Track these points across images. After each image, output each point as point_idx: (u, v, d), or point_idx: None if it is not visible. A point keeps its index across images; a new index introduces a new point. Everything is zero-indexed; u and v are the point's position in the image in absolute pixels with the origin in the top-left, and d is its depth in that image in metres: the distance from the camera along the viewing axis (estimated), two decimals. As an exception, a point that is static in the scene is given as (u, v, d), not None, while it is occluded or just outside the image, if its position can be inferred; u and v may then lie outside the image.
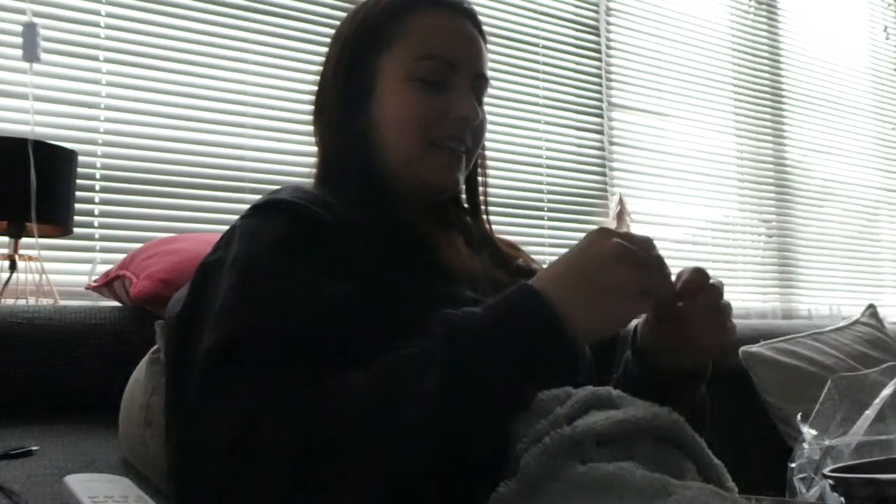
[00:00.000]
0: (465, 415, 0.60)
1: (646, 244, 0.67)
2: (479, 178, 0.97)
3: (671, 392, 0.75)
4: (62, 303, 1.63)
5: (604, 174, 2.69)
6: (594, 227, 2.61)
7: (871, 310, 2.12)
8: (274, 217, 0.75)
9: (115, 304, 1.33)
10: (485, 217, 0.98)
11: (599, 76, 2.74)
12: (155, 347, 1.00)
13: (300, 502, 0.58)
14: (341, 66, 0.88)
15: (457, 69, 0.86)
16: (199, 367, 0.64)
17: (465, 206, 0.98)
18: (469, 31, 0.88)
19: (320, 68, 0.92)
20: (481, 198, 0.98)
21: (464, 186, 0.95)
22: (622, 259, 0.64)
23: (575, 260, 0.66)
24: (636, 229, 2.59)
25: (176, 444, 0.66)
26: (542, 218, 2.56)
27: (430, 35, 0.85)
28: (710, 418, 0.85)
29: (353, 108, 0.87)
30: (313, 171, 0.91)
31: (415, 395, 0.60)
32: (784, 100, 3.23)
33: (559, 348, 0.63)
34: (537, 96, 2.58)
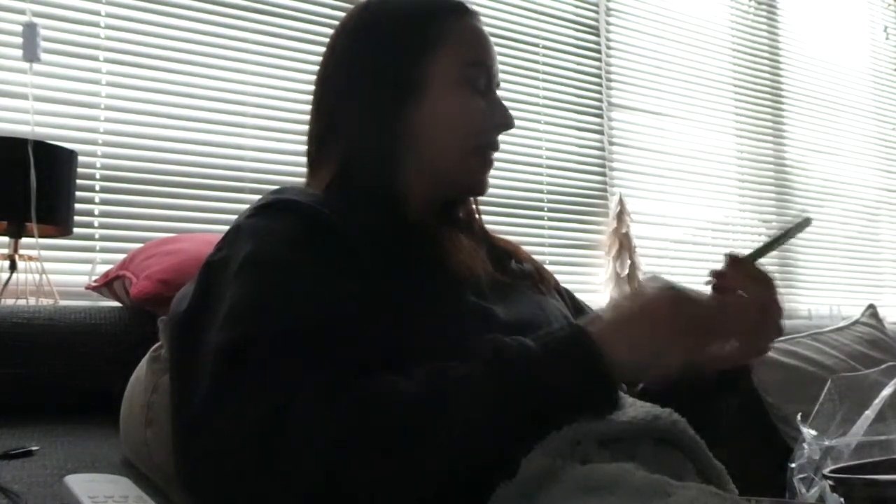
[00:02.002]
0: (505, 438, 0.62)
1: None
2: None
3: (706, 399, 0.77)
4: (62, 303, 1.63)
5: (604, 174, 2.69)
6: (594, 227, 2.61)
7: (871, 310, 2.12)
8: (283, 216, 0.75)
9: (115, 304, 1.33)
10: (477, 216, 0.97)
11: (599, 76, 2.74)
12: (156, 345, 1.00)
13: (331, 496, 0.59)
14: (366, 70, 0.85)
15: (492, 76, 0.89)
16: (212, 364, 0.64)
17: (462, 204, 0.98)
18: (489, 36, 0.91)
19: (321, 71, 0.90)
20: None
21: None
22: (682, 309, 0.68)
23: (633, 305, 0.70)
24: (636, 229, 2.60)
25: (188, 442, 0.66)
26: (542, 218, 2.56)
27: (473, 41, 0.87)
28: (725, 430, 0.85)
29: (389, 111, 0.84)
30: (305, 170, 0.91)
31: (459, 413, 0.62)
32: (784, 100, 3.23)
33: (603, 392, 0.66)
34: (537, 96, 2.58)
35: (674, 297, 0.68)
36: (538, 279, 0.92)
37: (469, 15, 0.89)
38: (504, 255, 0.93)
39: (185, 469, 0.66)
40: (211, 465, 0.62)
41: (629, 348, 0.66)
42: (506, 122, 0.89)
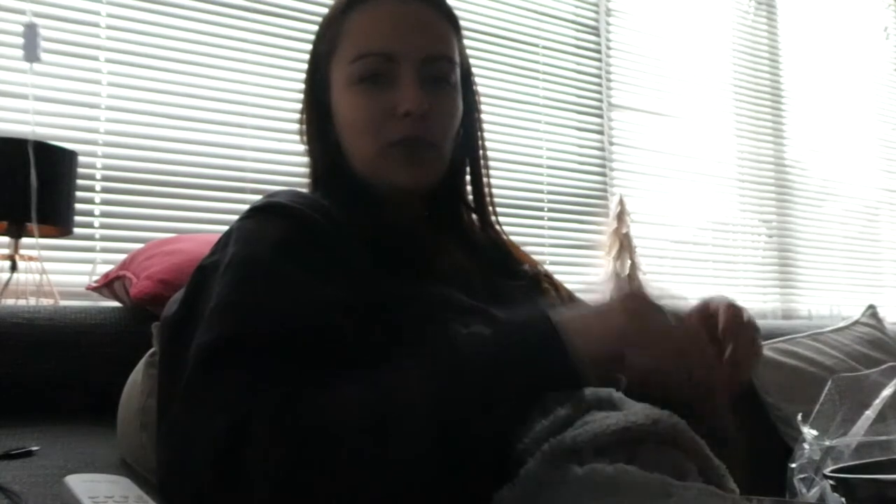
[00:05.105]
0: (461, 423, 0.60)
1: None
2: (485, 179, 0.95)
3: None
4: (62, 303, 1.63)
5: (604, 174, 2.69)
6: (594, 227, 2.61)
7: (871, 310, 2.11)
8: (272, 220, 0.75)
9: (116, 304, 1.33)
10: (494, 218, 0.95)
11: (599, 77, 2.74)
12: (152, 350, 1.00)
13: None
14: (308, 75, 0.89)
15: (398, 60, 0.81)
16: (189, 370, 0.63)
17: (472, 206, 0.96)
18: (409, 15, 0.83)
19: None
20: (487, 199, 0.95)
21: (470, 188, 0.94)
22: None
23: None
24: (636, 229, 2.60)
25: (162, 447, 0.65)
26: (542, 218, 2.56)
27: (361, 33, 0.83)
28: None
29: (321, 116, 0.87)
30: (306, 170, 0.91)
31: (410, 407, 0.60)
32: (784, 100, 3.23)
33: (561, 366, 0.62)
34: (537, 97, 2.57)
35: (635, 308, 0.64)
36: (550, 286, 0.91)
37: (368, 3, 0.83)
38: (508, 259, 0.93)
39: (158, 474, 0.66)
40: (180, 473, 0.61)
41: (584, 339, 0.62)
42: (405, 109, 0.80)
